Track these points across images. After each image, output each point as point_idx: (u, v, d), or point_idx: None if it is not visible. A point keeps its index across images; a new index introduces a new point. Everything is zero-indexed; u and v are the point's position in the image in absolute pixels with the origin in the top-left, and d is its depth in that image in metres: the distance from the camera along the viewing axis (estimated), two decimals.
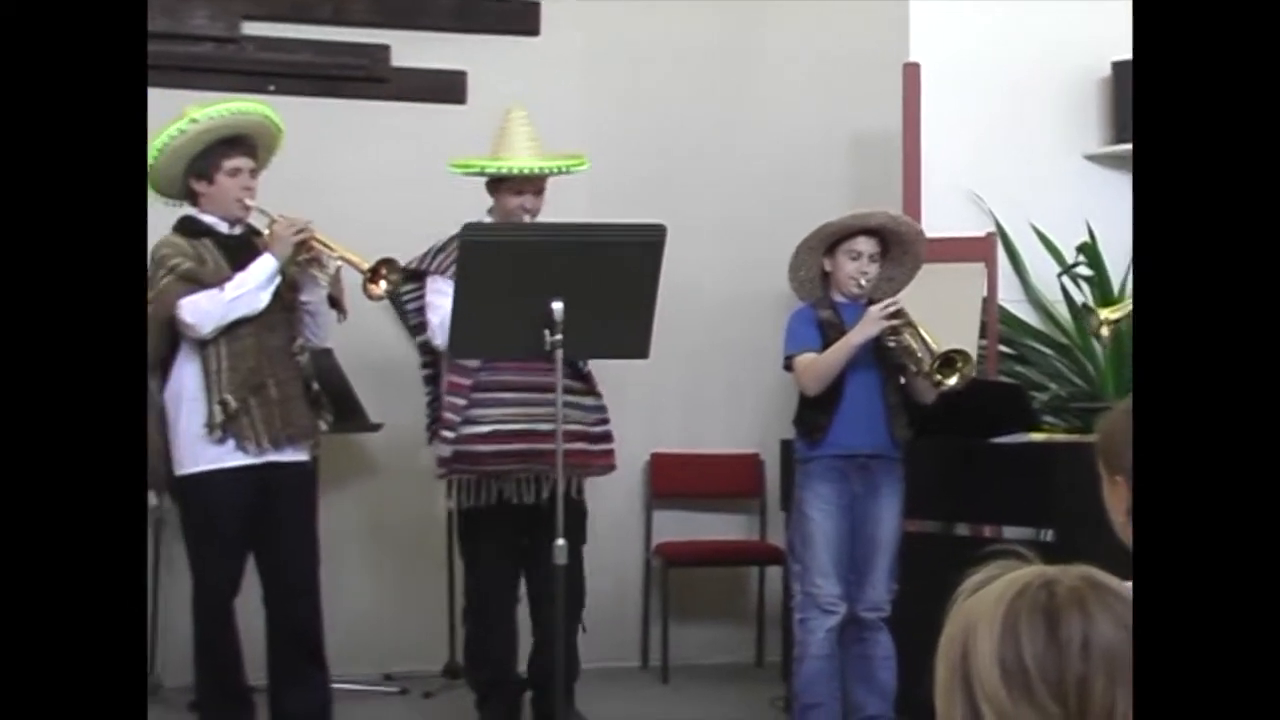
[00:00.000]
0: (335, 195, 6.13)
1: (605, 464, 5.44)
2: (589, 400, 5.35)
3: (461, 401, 5.22)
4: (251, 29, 6.48)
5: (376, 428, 6.33)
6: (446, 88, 6.67)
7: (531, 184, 5.28)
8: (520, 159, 5.27)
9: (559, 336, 4.62)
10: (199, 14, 6.39)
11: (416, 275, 5.25)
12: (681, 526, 6.84)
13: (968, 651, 1.50)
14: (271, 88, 6.24)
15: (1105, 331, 5.17)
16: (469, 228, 4.66)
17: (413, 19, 6.65)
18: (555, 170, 5.32)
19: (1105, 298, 6.33)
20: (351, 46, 6.58)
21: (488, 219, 5.28)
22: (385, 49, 6.61)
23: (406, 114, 6.61)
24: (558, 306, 4.60)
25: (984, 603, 1.50)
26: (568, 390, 5.23)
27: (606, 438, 5.40)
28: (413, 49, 6.62)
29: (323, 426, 5.22)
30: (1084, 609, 1.48)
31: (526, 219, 5.23)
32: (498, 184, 5.31)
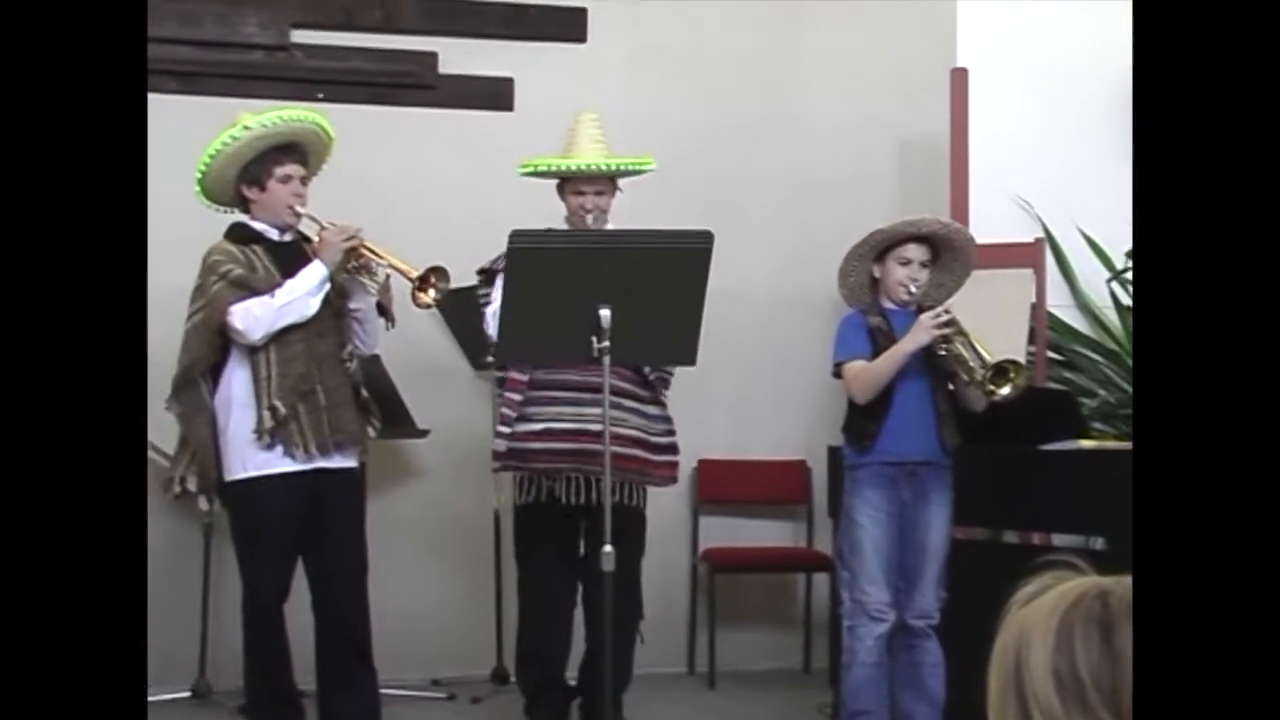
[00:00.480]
0: (383, 201, 6.17)
1: (666, 475, 5.39)
2: (653, 409, 5.33)
3: (518, 398, 5.24)
4: (301, 37, 6.51)
5: (424, 433, 6.34)
6: (494, 94, 6.69)
7: (592, 184, 5.30)
8: (581, 156, 5.30)
9: (606, 343, 4.62)
10: (249, 22, 6.43)
11: (491, 277, 5.26)
12: (728, 532, 6.84)
13: (1021, 662, 1.49)
14: (320, 95, 6.28)
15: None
16: (516, 234, 4.66)
17: (460, 26, 6.66)
18: (615, 168, 5.34)
19: None
20: (399, 54, 6.61)
21: (562, 224, 5.31)
22: (433, 56, 6.63)
23: (454, 120, 6.63)
24: (605, 313, 4.60)
25: (1038, 613, 1.50)
26: (632, 396, 5.25)
27: (670, 449, 5.36)
28: (460, 56, 6.64)
29: (371, 433, 5.24)
30: None
31: (589, 220, 5.25)
32: (564, 186, 5.34)
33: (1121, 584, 1.52)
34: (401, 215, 6.09)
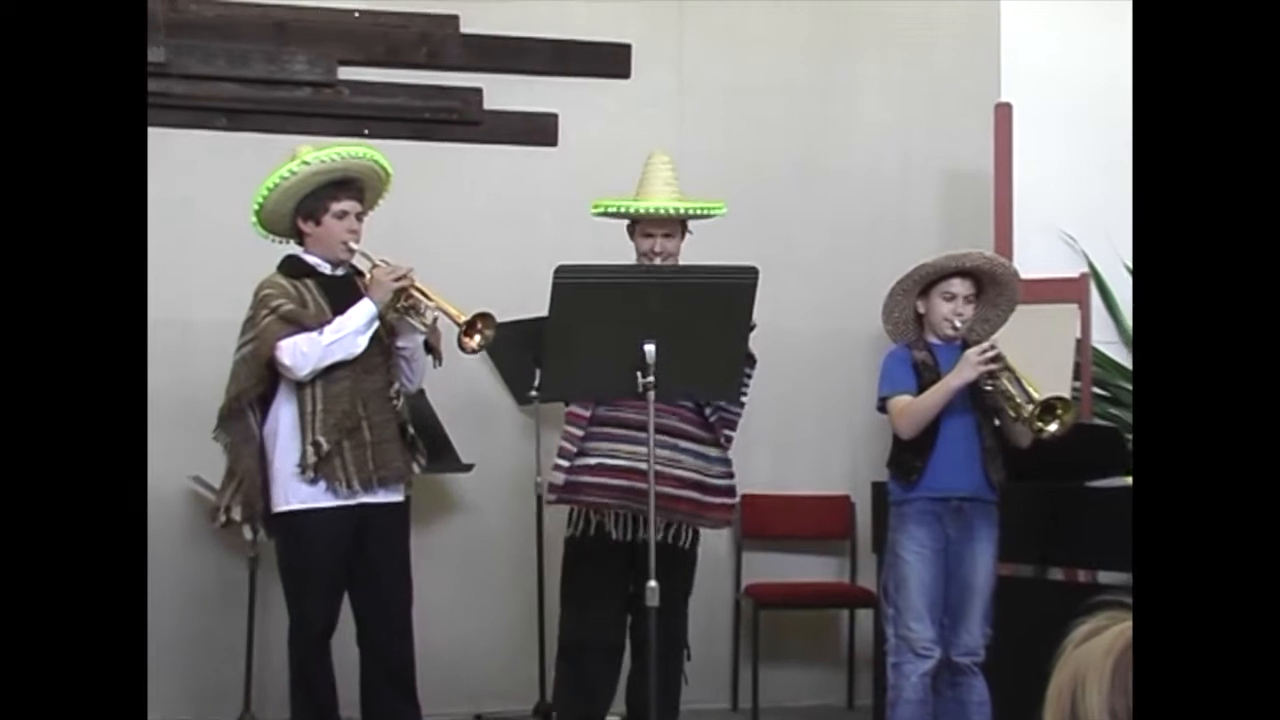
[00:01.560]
0: (428, 236, 6.20)
1: (719, 517, 5.38)
2: (712, 451, 5.31)
3: (579, 433, 5.24)
4: (347, 74, 6.56)
5: (468, 468, 6.36)
6: (538, 130, 6.71)
7: (662, 227, 5.32)
8: (653, 199, 5.32)
9: (651, 378, 4.61)
10: (298, 60, 6.48)
11: None
12: (772, 568, 6.82)
13: (1076, 702, 1.49)
14: (366, 131, 6.31)
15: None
16: (561, 270, 4.67)
17: (505, 62, 6.69)
18: (685, 211, 5.35)
19: None
20: (444, 90, 6.64)
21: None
22: (478, 92, 6.66)
23: (499, 156, 6.66)
24: (650, 348, 4.59)
25: (1093, 654, 1.50)
26: (692, 438, 5.25)
27: (727, 492, 5.34)
28: (505, 92, 6.67)
29: (416, 469, 5.25)
30: None
31: (658, 261, 5.26)
32: (634, 227, 5.37)
33: None
34: (444, 250, 6.12)
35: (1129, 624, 1.52)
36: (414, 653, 5.19)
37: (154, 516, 5.92)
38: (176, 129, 6.24)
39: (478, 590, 6.53)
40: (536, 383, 5.42)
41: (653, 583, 4.59)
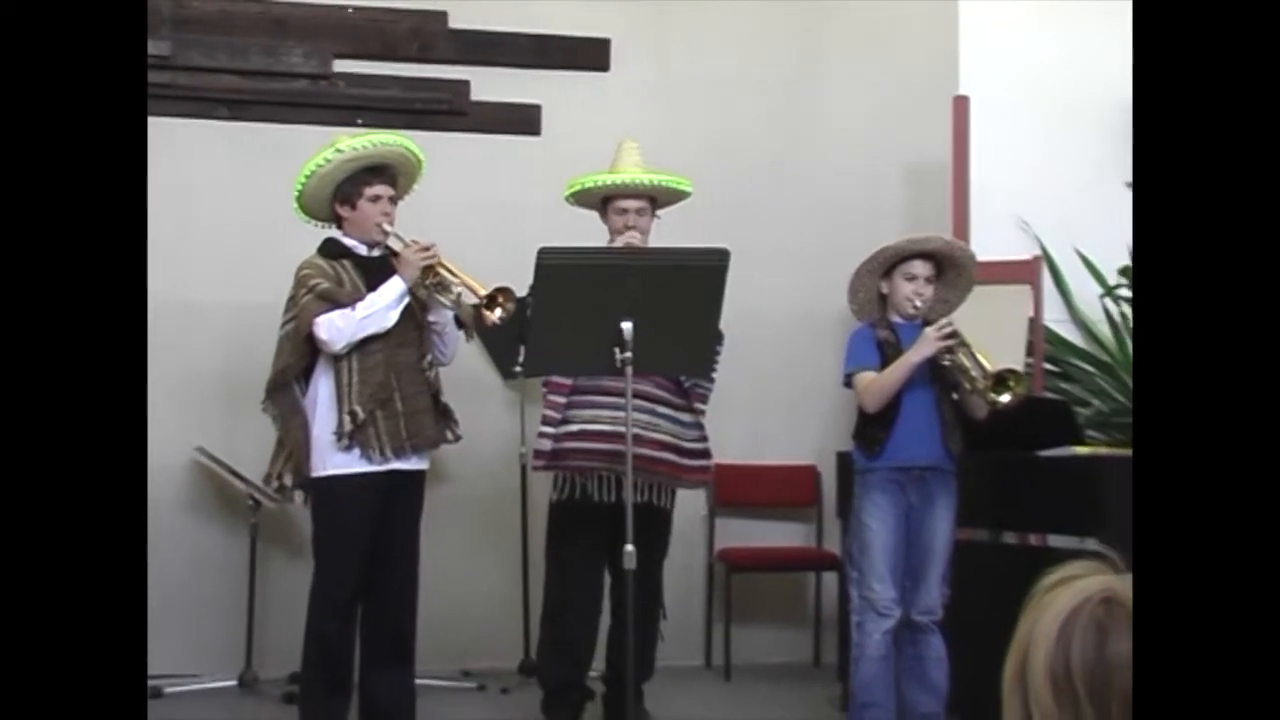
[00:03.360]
0: (419, 220, 6.14)
1: (697, 478, 5.42)
2: (686, 417, 5.32)
3: (562, 401, 5.25)
4: (342, 66, 6.55)
5: (457, 439, 6.34)
6: (522, 120, 6.71)
7: (635, 201, 5.34)
8: (625, 172, 5.34)
9: (629, 354, 4.63)
10: (295, 53, 6.47)
11: None
12: (743, 533, 6.84)
13: (1027, 657, 1.50)
14: (360, 121, 6.30)
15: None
16: (544, 251, 4.67)
17: (491, 56, 6.68)
18: (656, 184, 5.37)
19: None
20: (434, 82, 6.63)
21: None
22: (465, 84, 6.65)
23: (485, 145, 6.65)
24: (627, 326, 4.61)
25: (1048, 611, 1.51)
26: (667, 404, 5.26)
27: (703, 454, 5.37)
28: (491, 84, 6.66)
29: (449, 437, 5.25)
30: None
31: (631, 235, 5.27)
32: (606, 208, 5.37)
33: (1129, 588, 1.52)
34: (434, 232, 6.03)
35: (1083, 584, 1.53)
36: (416, 616, 5.16)
37: (160, 485, 5.96)
38: (181, 119, 6.22)
39: (467, 555, 6.54)
40: (521, 359, 5.41)
41: (630, 547, 4.60)
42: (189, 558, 6.21)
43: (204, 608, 6.24)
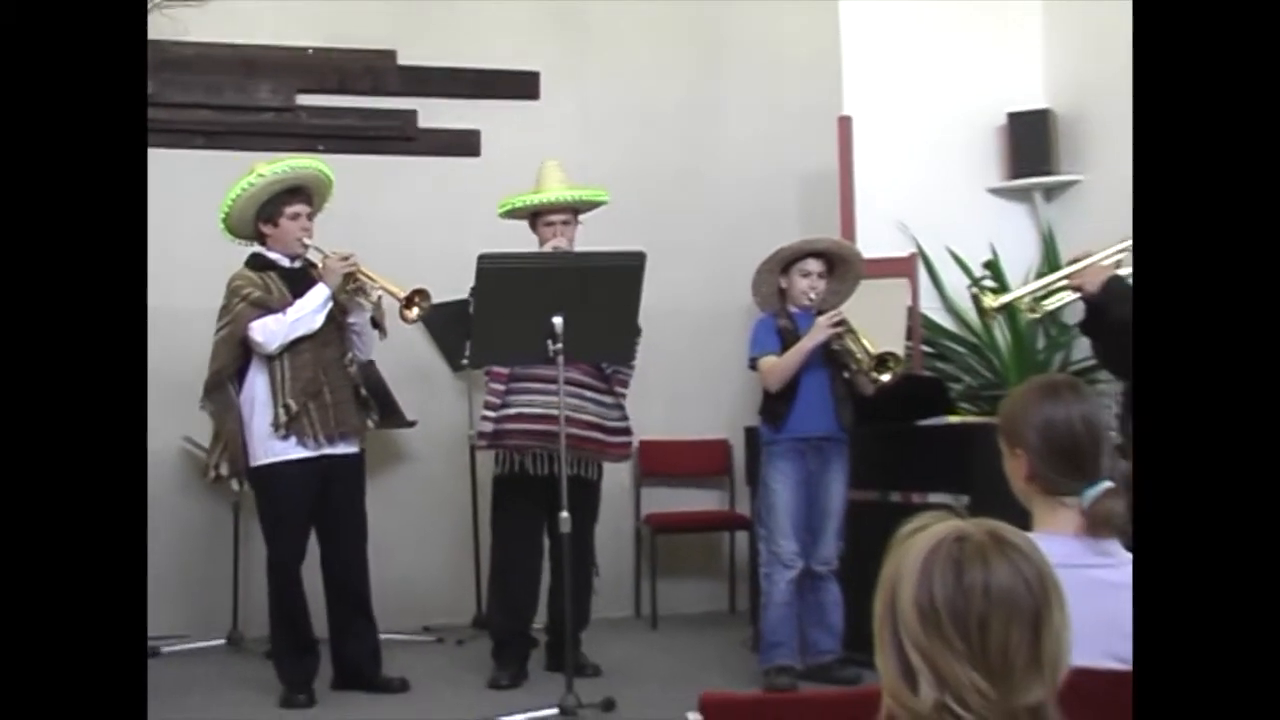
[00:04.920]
0: (375, 233, 6.12)
1: (619, 453, 5.42)
2: (609, 399, 5.32)
3: (501, 388, 5.23)
4: (305, 100, 6.48)
5: (412, 424, 6.32)
6: (464, 144, 6.67)
7: (560, 214, 5.30)
8: (550, 191, 5.31)
9: (560, 345, 4.62)
10: (263, 89, 6.41)
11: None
12: (666, 500, 6.83)
13: (895, 593, 1.51)
14: (321, 147, 6.23)
15: (994, 306, 4.96)
16: (484, 257, 4.67)
17: (435, 88, 6.64)
18: (578, 199, 5.35)
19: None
20: (386, 112, 6.58)
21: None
22: (413, 114, 6.60)
23: (431, 166, 6.61)
24: (558, 320, 4.61)
25: (910, 552, 1.52)
26: (591, 388, 5.26)
27: (624, 431, 5.37)
28: (436, 113, 6.62)
29: (370, 425, 5.24)
30: (985, 560, 1.49)
31: (560, 242, 5.23)
32: (535, 222, 5.33)
33: (979, 528, 1.53)
34: (388, 244, 6.04)
35: (939, 528, 1.54)
36: (369, 578, 5.17)
37: (152, 469, 5.84)
38: (163, 149, 6.12)
39: (423, 526, 6.50)
40: (467, 352, 5.39)
41: (564, 514, 4.60)
42: (180, 533, 6.15)
43: (194, 576, 6.17)
